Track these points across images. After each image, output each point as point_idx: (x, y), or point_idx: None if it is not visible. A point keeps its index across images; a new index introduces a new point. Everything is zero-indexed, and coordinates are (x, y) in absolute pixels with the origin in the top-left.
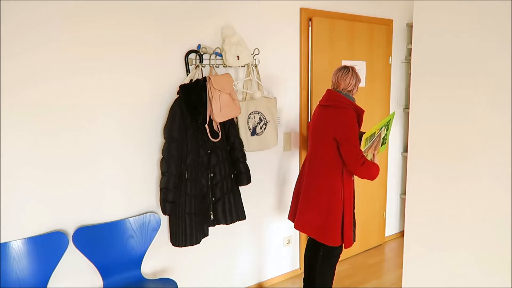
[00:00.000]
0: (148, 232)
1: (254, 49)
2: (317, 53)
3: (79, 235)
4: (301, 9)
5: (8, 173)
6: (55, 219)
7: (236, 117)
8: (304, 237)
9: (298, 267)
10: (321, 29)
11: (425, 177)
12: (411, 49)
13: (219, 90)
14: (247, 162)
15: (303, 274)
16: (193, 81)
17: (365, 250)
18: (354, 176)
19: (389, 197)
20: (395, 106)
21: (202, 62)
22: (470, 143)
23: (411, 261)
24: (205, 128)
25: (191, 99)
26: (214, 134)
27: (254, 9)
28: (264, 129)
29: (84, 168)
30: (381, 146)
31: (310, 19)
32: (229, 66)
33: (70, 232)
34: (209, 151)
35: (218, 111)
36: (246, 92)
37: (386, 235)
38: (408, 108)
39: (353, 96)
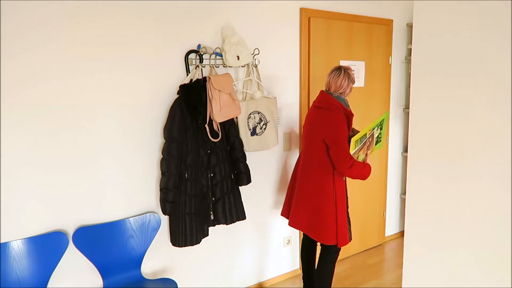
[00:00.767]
0: (148, 232)
1: (254, 49)
2: (316, 53)
3: (79, 235)
4: (301, 9)
5: (8, 173)
6: (55, 219)
7: (236, 117)
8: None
9: (298, 267)
10: (319, 29)
11: (425, 177)
12: (411, 49)
13: (219, 90)
14: (247, 162)
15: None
16: (193, 81)
17: (365, 250)
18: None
19: (389, 197)
20: (395, 106)
21: (202, 62)
22: (470, 143)
23: (411, 261)
24: (205, 128)
25: (191, 99)
26: (214, 134)
27: (254, 9)
28: (264, 129)
29: (84, 168)
30: (376, 144)
31: (310, 19)
32: (229, 66)
33: (70, 232)
34: (209, 151)
35: (218, 111)
36: (246, 92)
37: (386, 235)
38: (408, 108)
39: (346, 98)
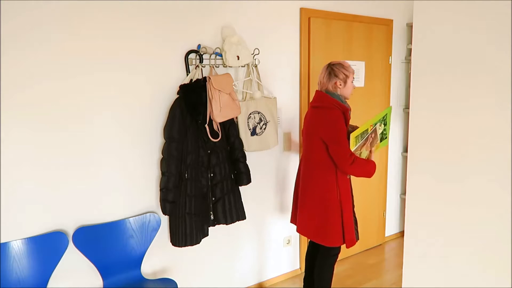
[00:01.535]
0: (148, 232)
1: (254, 49)
2: (316, 53)
3: (79, 235)
4: (301, 9)
5: (8, 173)
6: (55, 219)
7: (236, 117)
8: (304, 237)
9: (298, 267)
10: (319, 29)
11: (425, 177)
12: (411, 49)
13: (219, 90)
14: (247, 162)
15: (304, 274)
16: (193, 81)
17: (365, 250)
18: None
19: (389, 197)
20: (395, 106)
21: (202, 62)
22: (470, 143)
23: (411, 261)
24: (205, 128)
25: (191, 99)
26: (214, 134)
27: (254, 9)
28: (264, 129)
29: (84, 168)
30: (381, 141)
31: (310, 19)
32: (229, 66)
33: (70, 232)
34: (209, 151)
35: (218, 111)
36: (246, 92)
37: (386, 235)
38: (408, 108)
39: (342, 94)
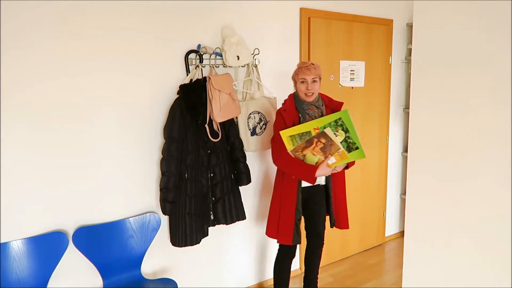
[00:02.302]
0: (148, 232)
1: (254, 49)
2: (316, 53)
3: (79, 235)
4: (301, 9)
5: (8, 173)
6: (55, 219)
7: (236, 117)
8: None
9: (298, 267)
10: (319, 29)
11: (425, 177)
12: (411, 49)
13: (219, 90)
14: (247, 162)
15: (303, 273)
16: (193, 81)
17: (365, 250)
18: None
19: (389, 197)
20: (395, 106)
21: (202, 62)
22: (470, 142)
23: (411, 261)
24: (205, 128)
25: (191, 99)
26: (214, 134)
27: (254, 9)
28: (264, 129)
29: (84, 168)
30: (351, 152)
31: (310, 19)
32: (229, 66)
33: (70, 232)
34: (209, 151)
35: (218, 111)
36: (246, 92)
37: (386, 235)
38: (408, 108)
39: (297, 92)
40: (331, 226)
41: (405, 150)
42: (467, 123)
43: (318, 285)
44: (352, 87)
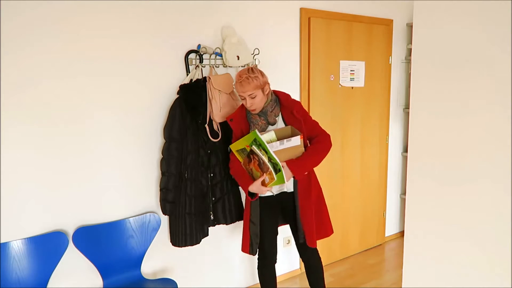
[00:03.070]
0: (148, 232)
1: (254, 49)
2: (316, 53)
3: (79, 235)
4: (301, 9)
5: (8, 173)
6: (55, 219)
7: None
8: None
9: (298, 267)
10: (319, 29)
11: (425, 177)
12: (411, 49)
13: (219, 90)
14: None
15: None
16: (193, 81)
17: (365, 250)
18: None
19: (389, 197)
20: (395, 106)
21: (202, 62)
22: (470, 143)
23: (411, 261)
24: (205, 128)
25: (191, 99)
26: (214, 134)
27: (254, 9)
28: None
29: (84, 168)
30: (277, 173)
31: (310, 19)
32: (229, 66)
33: (70, 232)
34: (209, 151)
35: (218, 111)
36: None
37: (386, 235)
38: (408, 108)
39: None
40: (299, 242)
41: (405, 150)
42: (467, 123)
43: None
44: (352, 87)
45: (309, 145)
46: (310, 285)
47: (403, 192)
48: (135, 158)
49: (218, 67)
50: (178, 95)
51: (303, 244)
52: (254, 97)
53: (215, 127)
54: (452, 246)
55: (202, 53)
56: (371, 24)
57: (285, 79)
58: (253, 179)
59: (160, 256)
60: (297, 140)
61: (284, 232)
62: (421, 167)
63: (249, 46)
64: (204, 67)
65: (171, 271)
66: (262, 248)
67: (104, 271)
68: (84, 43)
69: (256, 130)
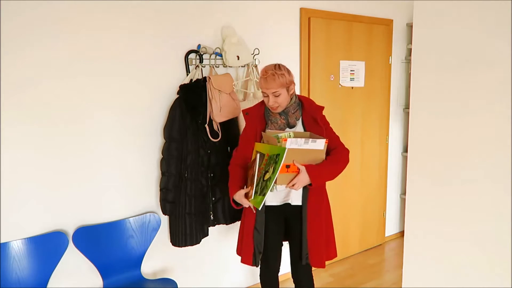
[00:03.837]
0: (148, 232)
1: (254, 49)
2: (316, 53)
3: (79, 235)
4: (301, 9)
5: (8, 173)
6: (55, 219)
7: (236, 117)
8: None
9: None
10: (319, 29)
11: (425, 177)
12: (411, 49)
13: (219, 90)
14: None
15: None
16: (193, 81)
17: (365, 250)
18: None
19: (389, 197)
20: (395, 106)
21: (202, 62)
22: (470, 143)
23: (411, 261)
24: (205, 128)
25: (191, 99)
26: (214, 134)
27: (254, 9)
28: None
29: (84, 168)
30: (255, 195)
31: (310, 19)
32: (229, 66)
33: (70, 232)
34: (209, 151)
35: (218, 111)
36: (246, 92)
37: (386, 235)
38: (408, 108)
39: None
40: (303, 263)
41: (405, 150)
42: (467, 123)
43: (318, 285)
44: (352, 87)
45: (329, 155)
46: None
47: (403, 192)
48: (135, 158)
49: (218, 67)
50: (178, 95)
51: (297, 262)
52: (278, 96)
53: (215, 127)
54: (452, 246)
55: (202, 53)
56: (371, 24)
57: None
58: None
59: (160, 256)
60: (321, 144)
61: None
62: (421, 167)
63: (249, 46)
64: (204, 67)
65: (171, 271)
66: (266, 260)
67: (104, 271)
68: (84, 43)
69: (288, 148)
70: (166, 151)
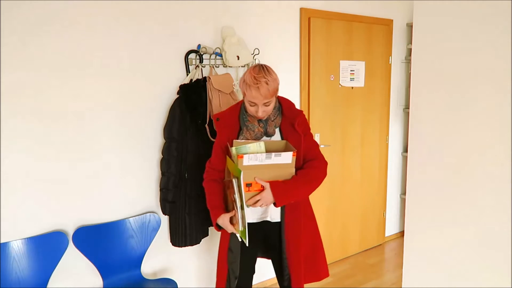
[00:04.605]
0: (148, 232)
1: (254, 49)
2: (316, 53)
3: (79, 235)
4: (301, 9)
5: (8, 173)
6: (55, 219)
7: None
8: None
9: None
10: (319, 29)
11: (425, 177)
12: (411, 49)
13: (219, 90)
14: None
15: None
16: (193, 81)
17: (365, 250)
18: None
19: (389, 197)
20: (395, 106)
21: (202, 62)
22: (470, 143)
23: (411, 261)
24: (205, 128)
25: (191, 99)
26: (214, 134)
27: (254, 9)
28: None
29: (84, 168)
30: (240, 229)
31: (310, 19)
32: (229, 66)
33: (70, 232)
34: (209, 151)
35: (218, 111)
36: None
37: (386, 235)
38: (408, 108)
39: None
40: (285, 285)
41: (405, 150)
42: (467, 123)
43: (318, 285)
44: (352, 87)
45: (302, 168)
46: None
47: (403, 192)
48: (135, 158)
49: (218, 67)
50: (178, 95)
51: (287, 286)
52: (268, 105)
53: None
54: (452, 246)
55: (202, 53)
56: (371, 24)
57: (285, 79)
58: (226, 207)
59: (160, 256)
60: (288, 157)
61: None
62: (421, 167)
63: (249, 46)
64: (204, 67)
65: (171, 271)
66: (239, 280)
67: (104, 271)
68: (84, 43)
69: (246, 165)
70: (166, 151)
